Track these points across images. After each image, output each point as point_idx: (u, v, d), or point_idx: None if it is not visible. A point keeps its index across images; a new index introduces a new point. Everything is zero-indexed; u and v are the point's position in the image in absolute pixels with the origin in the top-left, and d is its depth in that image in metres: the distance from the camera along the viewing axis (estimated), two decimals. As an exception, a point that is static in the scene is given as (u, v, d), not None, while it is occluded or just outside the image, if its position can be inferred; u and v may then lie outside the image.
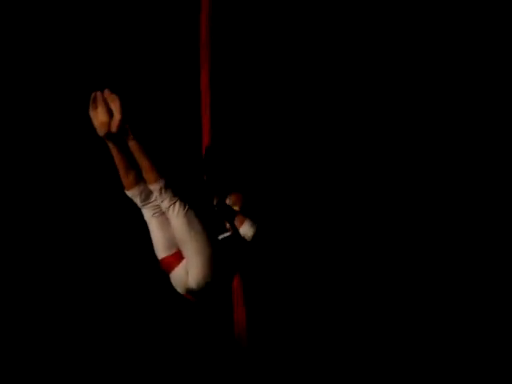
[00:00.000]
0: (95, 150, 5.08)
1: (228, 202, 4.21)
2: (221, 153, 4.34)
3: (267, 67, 5.68)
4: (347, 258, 5.71)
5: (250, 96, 5.63)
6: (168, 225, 3.92)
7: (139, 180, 3.91)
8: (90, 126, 3.86)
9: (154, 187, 3.83)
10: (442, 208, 5.76)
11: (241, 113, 5.53)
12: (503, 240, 5.69)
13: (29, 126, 5.63)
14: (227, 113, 4.77)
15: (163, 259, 3.98)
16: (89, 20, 5.60)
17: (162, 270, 3.99)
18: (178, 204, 3.83)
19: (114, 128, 3.80)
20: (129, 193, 3.96)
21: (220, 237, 4.08)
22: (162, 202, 3.84)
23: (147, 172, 3.83)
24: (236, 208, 4.17)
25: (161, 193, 3.83)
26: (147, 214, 3.97)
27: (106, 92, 3.80)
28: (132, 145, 3.82)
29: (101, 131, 3.83)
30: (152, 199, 3.93)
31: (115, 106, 3.78)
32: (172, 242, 3.93)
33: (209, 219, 4.06)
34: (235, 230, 4.14)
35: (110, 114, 3.79)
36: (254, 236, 4.11)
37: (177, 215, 3.83)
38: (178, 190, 3.84)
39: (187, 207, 3.83)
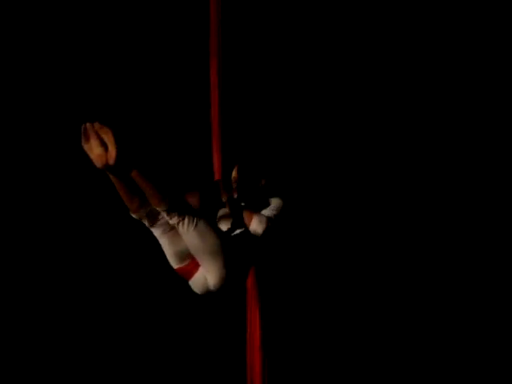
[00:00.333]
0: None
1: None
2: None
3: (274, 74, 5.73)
4: (351, 256, 5.75)
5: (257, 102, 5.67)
6: (179, 238, 3.87)
7: (144, 203, 3.82)
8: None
9: (160, 209, 3.76)
10: (442, 208, 5.80)
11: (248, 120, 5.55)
12: (503, 240, 5.73)
13: (30, 127, 5.68)
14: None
15: (179, 269, 3.98)
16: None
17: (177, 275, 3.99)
18: (186, 219, 3.76)
19: (111, 161, 3.61)
20: (135, 216, 3.89)
21: (232, 234, 4.06)
22: (170, 219, 3.77)
23: (151, 196, 3.74)
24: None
25: (168, 213, 3.75)
26: (157, 232, 3.91)
27: (97, 125, 3.60)
28: (132, 173, 3.69)
29: (98, 164, 3.63)
30: (160, 218, 3.86)
31: (109, 139, 3.60)
32: (185, 253, 3.90)
33: (220, 220, 4.14)
34: (244, 227, 4.09)
35: (105, 146, 3.60)
36: (264, 232, 4.05)
37: (187, 230, 3.78)
38: (185, 206, 3.77)
39: (196, 220, 3.77)
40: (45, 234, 5.70)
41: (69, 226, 5.74)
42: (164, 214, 3.75)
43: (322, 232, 5.71)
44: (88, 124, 3.59)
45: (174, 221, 3.74)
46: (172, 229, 3.85)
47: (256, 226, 4.06)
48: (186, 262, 3.93)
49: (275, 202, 4.21)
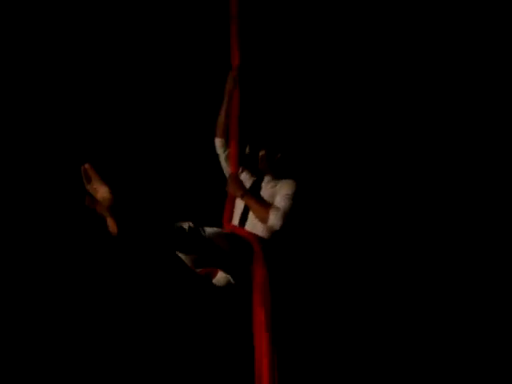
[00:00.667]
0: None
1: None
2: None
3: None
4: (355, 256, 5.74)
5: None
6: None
7: None
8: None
9: None
10: (443, 208, 5.78)
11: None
12: (503, 240, 5.72)
13: (30, 127, 5.65)
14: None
15: (200, 271, 4.04)
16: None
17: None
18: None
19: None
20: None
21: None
22: None
23: None
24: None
25: None
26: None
27: (87, 166, 3.47)
28: None
29: (106, 204, 3.53)
30: None
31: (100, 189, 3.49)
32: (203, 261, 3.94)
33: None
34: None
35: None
36: (281, 227, 4.05)
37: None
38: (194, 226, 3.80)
39: (204, 233, 3.82)
40: (56, 233, 5.70)
41: (69, 226, 5.71)
42: None
43: (332, 230, 5.71)
44: (87, 165, 3.46)
45: None
46: None
47: (273, 221, 4.06)
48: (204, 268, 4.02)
49: (288, 186, 4.19)
